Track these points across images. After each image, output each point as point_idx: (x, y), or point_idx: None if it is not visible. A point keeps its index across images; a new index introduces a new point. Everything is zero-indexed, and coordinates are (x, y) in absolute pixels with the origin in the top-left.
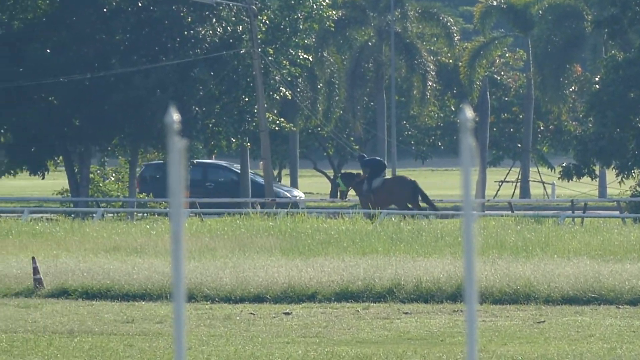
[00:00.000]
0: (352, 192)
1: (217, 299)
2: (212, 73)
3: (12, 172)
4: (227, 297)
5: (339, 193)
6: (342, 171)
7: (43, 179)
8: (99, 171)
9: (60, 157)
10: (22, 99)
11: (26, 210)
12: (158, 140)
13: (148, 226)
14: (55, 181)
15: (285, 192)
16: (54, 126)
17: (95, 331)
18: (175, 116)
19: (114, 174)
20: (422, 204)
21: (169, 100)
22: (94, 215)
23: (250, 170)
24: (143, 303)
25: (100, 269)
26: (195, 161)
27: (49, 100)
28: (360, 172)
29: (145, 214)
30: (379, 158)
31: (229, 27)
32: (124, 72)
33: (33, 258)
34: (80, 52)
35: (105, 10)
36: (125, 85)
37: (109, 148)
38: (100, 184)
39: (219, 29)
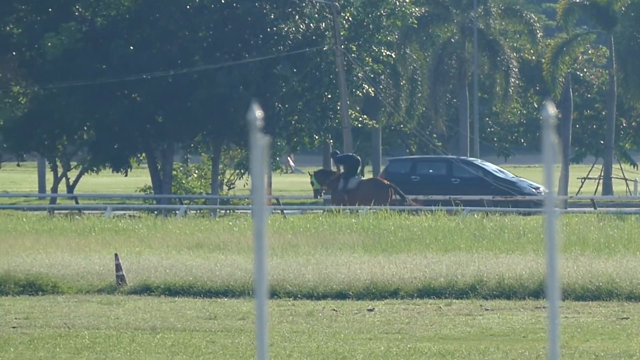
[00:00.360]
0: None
1: (299, 296)
2: (294, 70)
3: (95, 169)
4: (309, 294)
5: (313, 191)
6: (317, 169)
7: (126, 176)
8: (181, 168)
9: (143, 154)
10: (106, 96)
11: (109, 207)
12: (241, 137)
13: (231, 223)
14: (138, 178)
15: (531, 188)
16: (137, 123)
17: (178, 327)
18: (258, 113)
19: (196, 171)
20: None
21: (251, 97)
22: (177, 212)
23: (493, 166)
24: (225, 299)
25: (182, 266)
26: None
27: (132, 97)
28: (334, 169)
29: (228, 211)
30: (353, 154)
31: (311, 24)
32: (207, 69)
33: (116, 255)
34: (163, 49)
35: (188, 7)
36: (208, 82)
37: (192, 145)
38: (183, 181)
39: (301, 26)
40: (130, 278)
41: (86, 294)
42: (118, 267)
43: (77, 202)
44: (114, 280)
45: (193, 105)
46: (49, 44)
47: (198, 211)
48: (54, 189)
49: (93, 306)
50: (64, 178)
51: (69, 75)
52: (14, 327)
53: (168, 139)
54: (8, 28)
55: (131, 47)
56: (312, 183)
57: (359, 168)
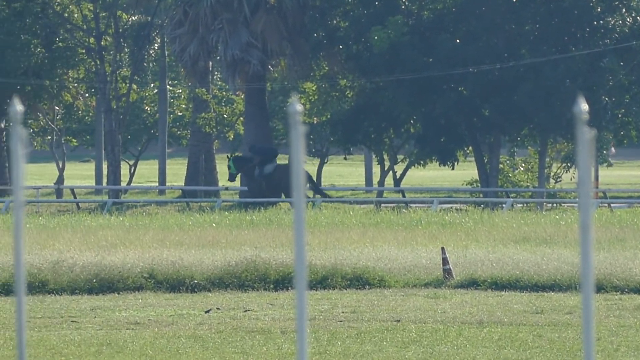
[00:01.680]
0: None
1: (627, 290)
2: (621, 63)
3: (421, 162)
4: (637, 288)
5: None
6: (235, 154)
7: (453, 169)
8: (508, 161)
9: (470, 148)
10: (432, 90)
11: (435, 200)
12: (567, 131)
13: (557, 216)
14: (465, 171)
15: None
16: (463, 116)
17: (505, 322)
18: (584, 106)
19: (523, 164)
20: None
21: (578, 90)
22: (503, 205)
23: None
24: (552, 294)
25: (509, 260)
26: None
27: (459, 90)
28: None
29: (554, 204)
30: (270, 146)
31: (638, 17)
32: (533, 62)
33: (442, 248)
34: (489, 42)
35: (514, 0)
36: (534, 75)
37: (518, 138)
38: (510, 174)
39: (628, 19)
40: (457, 272)
41: (413, 287)
42: (445, 261)
43: (403, 196)
44: (441, 274)
45: (519, 99)
46: (376, 38)
47: (524, 204)
48: (381, 183)
49: (420, 300)
50: (390, 171)
51: (396, 69)
52: (340, 321)
53: (494, 133)
54: (335, 22)
55: (457, 41)
56: (229, 167)
57: (275, 158)
